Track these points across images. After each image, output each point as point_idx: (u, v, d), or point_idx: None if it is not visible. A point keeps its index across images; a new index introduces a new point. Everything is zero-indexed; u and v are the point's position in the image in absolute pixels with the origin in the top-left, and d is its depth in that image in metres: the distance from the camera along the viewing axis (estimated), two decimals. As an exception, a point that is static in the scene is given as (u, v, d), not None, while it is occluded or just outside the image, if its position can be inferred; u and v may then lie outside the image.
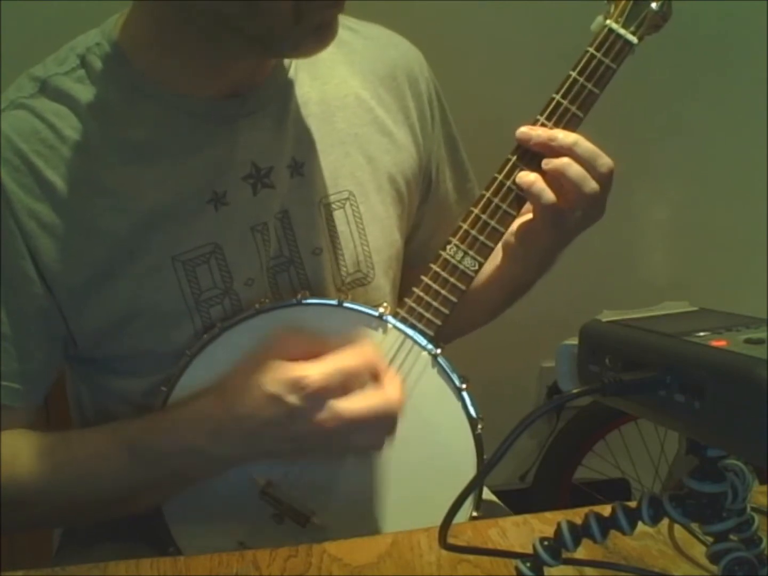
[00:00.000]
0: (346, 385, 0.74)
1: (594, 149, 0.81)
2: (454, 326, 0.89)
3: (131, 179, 0.80)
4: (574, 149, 0.80)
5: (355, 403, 0.74)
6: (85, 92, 0.79)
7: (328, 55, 0.86)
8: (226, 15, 0.72)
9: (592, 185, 0.80)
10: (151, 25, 0.79)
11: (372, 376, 0.76)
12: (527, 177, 0.82)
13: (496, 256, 0.91)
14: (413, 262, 0.97)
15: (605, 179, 0.81)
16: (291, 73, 0.87)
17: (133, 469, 0.78)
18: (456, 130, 1.00)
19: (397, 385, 0.76)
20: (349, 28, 0.91)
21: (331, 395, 0.74)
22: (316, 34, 0.75)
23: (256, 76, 0.83)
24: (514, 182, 0.83)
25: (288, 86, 0.86)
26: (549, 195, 0.81)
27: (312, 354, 0.76)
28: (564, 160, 0.80)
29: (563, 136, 0.81)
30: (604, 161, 0.81)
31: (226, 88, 0.82)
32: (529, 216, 0.85)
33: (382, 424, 0.76)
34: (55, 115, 0.79)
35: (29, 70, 0.82)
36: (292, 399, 0.73)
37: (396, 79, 0.93)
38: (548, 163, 0.81)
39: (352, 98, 0.90)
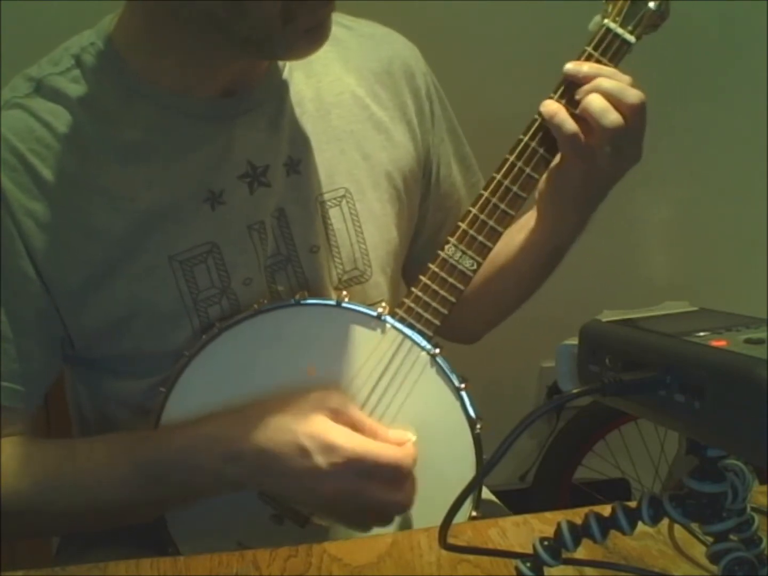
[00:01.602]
0: (373, 471, 0.75)
1: (620, 84, 0.79)
2: (492, 311, 0.93)
3: (127, 179, 0.80)
4: (600, 84, 0.79)
5: (372, 490, 0.75)
6: (80, 92, 0.79)
7: (323, 53, 0.86)
8: (216, 17, 0.72)
9: (612, 117, 0.78)
10: (145, 25, 0.79)
11: (398, 475, 0.76)
12: (550, 106, 0.81)
13: (529, 222, 0.90)
14: (423, 258, 0.97)
15: (633, 111, 0.79)
16: (286, 72, 0.87)
17: (142, 485, 0.77)
18: (458, 124, 1.00)
19: (414, 492, 0.77)
20: (343, 26, 0.91)
21: (356, 472, 0.74)
22: (309, 36, 0.75)
23: (251, 75, 0.84)
24: (512, 181, 0.83)
25: (283, 85, 0.86)
26: (570, 125, 0.79)
27: (352, 420, 0.77)
28: (585, 93, 0.80)
29: (587, 69, 0.81)
30: (631, 93, 0.79)
31: (220, 87, 0.82)
32: (558, 160, 0.85)
33: (384, 514, 0.78)
34: (50, 114, 0.79)
35: (24, 71, 0.82)
36: (320, 460, 0.73)
37: (392, 75, 0.93)
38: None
39: (347, 96, 0.90)
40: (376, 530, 0.79)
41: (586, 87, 0.80)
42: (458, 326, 0.98)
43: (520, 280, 0.97)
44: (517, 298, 1.00)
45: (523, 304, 1.00)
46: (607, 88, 0.79)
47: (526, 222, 0.91)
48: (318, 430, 0.74)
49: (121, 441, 0.80)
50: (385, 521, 0.78)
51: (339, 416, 0.76)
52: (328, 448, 0.73)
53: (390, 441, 0.78)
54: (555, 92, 0.83)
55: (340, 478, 0.74)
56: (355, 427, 0.77)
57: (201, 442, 0.77)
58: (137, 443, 0.79)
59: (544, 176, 0.86)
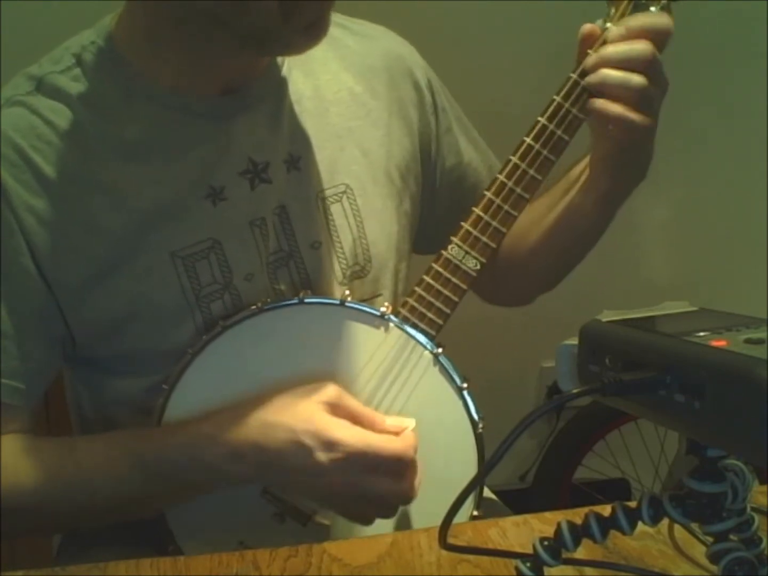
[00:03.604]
0: (375, 464, 0.75)
1: (622, 47, 0.80)
2: (550, 271, 0.96)
3: (128, 176, 0.80)
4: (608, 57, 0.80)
5: (375, 483, 0.75)
6: (81, 90, 0.80)
7: (321, 52, 0.87)
8: (216, 14, 0.72)
9: (636, 79, 0.79)
10: (144, 24, 0.79)
11: (401, 467, 0.76)
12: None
13: (578, 180, 0.89)
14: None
15: (648, 66, 0.79)
16: (284, 70, 0.87)
17: (142, 483, 0.78)
18: (462, 112, 1.00)
19: (418, 482, 0.77)
20: (339, 25, 0.92)
21: (358, 467, 0.74)
22: (307, 32, 0.75)
23: (251, 72, 0.84)
24: (515, 183, 0.84)
25: (282, 83, 0.87)
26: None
27: (351, 412, 0.77)
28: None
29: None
30: (638, 48, 0.79)
31: (220, 85, 0.82)
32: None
33: (389, 506, 0.78)
34: (52, 111, 0.79)
35: (25, 69, 0.82)
36: (321, 456, 0.73)
37: (389, 71, 0.93)
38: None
39: (345, 93, 0.90)
40: (377, 525, 0.79)
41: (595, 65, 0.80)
42: (513, 289, 1.00)
43: (580, 235, 0.94)
44: (578, 254, 0.97)
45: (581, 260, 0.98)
46: (613, 58, 0.79)
47: (575, 179, 0.90)
48: (317, 427, 0.74)
49: (121, 439, 0.80)
50: (389, 513, 0.78)
51: (336, 409, 0.76)
52: (329, 445, 0.73)
53: (388, 430, 0.78)
54: (558, 93, 0.84)
55: (342, 474, 0.74)
56: (353, 417, 0.77)
57: (201, 442, 0.77)
58: (137, 442, 0.79)
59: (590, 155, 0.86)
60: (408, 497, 0.77)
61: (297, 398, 0.76)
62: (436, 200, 0.99)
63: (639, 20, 0.81)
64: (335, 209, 0.88)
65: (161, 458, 0.77)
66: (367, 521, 0.79)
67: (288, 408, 0.76)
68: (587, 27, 0.83)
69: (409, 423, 0.79)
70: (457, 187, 0.99)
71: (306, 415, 0.75)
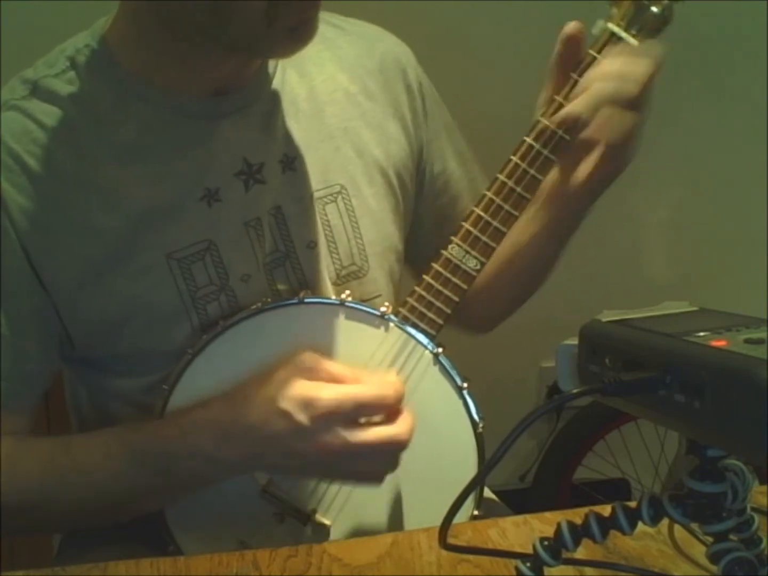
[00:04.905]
0: (356, 413, 0.75)
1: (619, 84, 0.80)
2: (507, 299, 0.96)
3: (123, 178, 0.80)
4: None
5: (361, 432, 0.75)
6: (75, 93, 0.80)
7: (315, 52, 0.87)
8: (199, 22, 0.72)
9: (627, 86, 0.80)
10: (135, 26, 0.80)
11: (385, 411, 0.76)
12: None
13: (528, 211, 0.90)
14: (427, 253, 0.93)
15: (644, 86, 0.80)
16: (279, 71, 0.87)
17: (137, 475, 0.78)
18: (452, 121, 1.00)
19: (409, 423, 0.76)
20: (334, 26, 0.92)
21: (340, 420, 0.74)
22: (293, 35, 0.75)
23: (243, 73, 0.84)
24: (516, 182, 0.84)
25: (276, 83, 0.87)
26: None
27: (329, 374, 0.77)
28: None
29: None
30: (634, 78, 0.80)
31: (212, 86, 0.82)
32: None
33: (385, 456, 0.77)
34: (46, 115, 0.79)
35: (20, 73, 0.82)
36: (301, 417, 0.73)
37: (385, 72, 0.93)
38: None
39: (340, 94, 0.90)
40: (377, 525, 0.79)
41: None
42: (473, 316, 0.98)
43: (531, 266, 0.96)
44: (530, 285, 0.99)
45: (539, 289, 0.99)
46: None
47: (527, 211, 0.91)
48: (294, 390, 0.74)
49: (115, 432, 0.80)
50: (391, 463, 0.77)
51: (314, 373, 0.76)
52: (306, 404, 0.73)
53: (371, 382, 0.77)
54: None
55: (326, 431, 0.74)
56: (333, 379, 0.76)
57: (192, 427, 0.77)
58: (131, 433, 0.79)
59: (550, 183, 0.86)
60: (402, 441, 0.76)
61: (277, 373, 0.76)
62: (421, 206, 0.99)
63: (616, 63, 0.81)
64: (330, 209, 0.88)
65: (154, 449, 0.78)
66: (375, 478, 0.78)
67: (266, 380, 0.76)
68: (571, 25, 0.83)
69: (392, 372, 0.79)
70: (441, 195, 0.99)
71: (282, 383, 0.75)
